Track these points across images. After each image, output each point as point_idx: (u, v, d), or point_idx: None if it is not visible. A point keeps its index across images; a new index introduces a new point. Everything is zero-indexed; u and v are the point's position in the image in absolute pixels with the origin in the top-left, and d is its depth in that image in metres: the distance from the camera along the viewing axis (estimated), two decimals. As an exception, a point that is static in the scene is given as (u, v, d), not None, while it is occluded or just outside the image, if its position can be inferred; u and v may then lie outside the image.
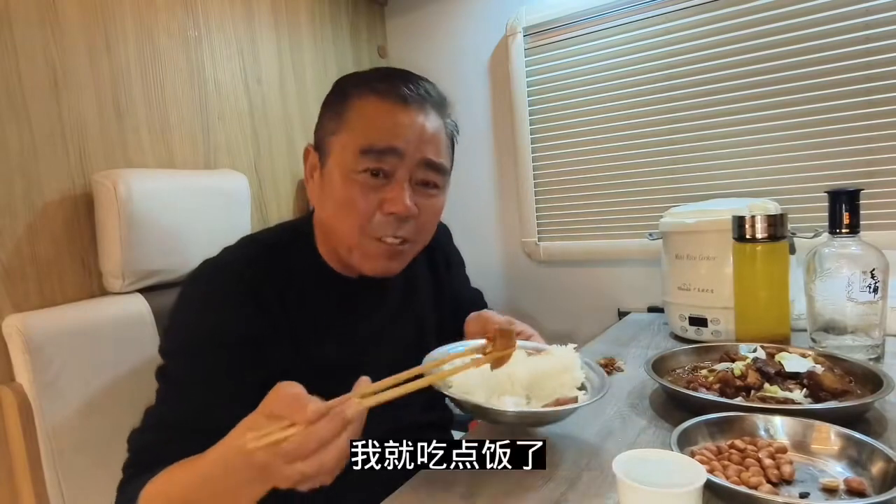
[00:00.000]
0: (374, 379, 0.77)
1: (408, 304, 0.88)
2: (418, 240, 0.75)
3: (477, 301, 1.06)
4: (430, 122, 0.72)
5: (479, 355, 0.61)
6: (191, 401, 0.65)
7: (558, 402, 0.64)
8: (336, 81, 0.77)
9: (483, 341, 0.62)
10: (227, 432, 0.57)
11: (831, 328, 0.85)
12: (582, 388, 0.69)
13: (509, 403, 0.64)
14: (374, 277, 0.75)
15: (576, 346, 0.72)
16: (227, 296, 0.69)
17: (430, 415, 0.89)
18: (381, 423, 0.78)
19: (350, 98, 0.71)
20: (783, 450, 0.57)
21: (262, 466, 0.50)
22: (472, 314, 0.90)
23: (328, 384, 0.55)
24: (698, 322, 1.06)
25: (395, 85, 0.71)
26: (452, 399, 0.63)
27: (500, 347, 0.60)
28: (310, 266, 0.77)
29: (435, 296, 0.94)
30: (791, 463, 0.55)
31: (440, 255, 0.97)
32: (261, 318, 0.69)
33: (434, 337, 0.88)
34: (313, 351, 0.73)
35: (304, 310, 0.74)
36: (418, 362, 0.84)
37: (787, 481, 0.53)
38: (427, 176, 0.73)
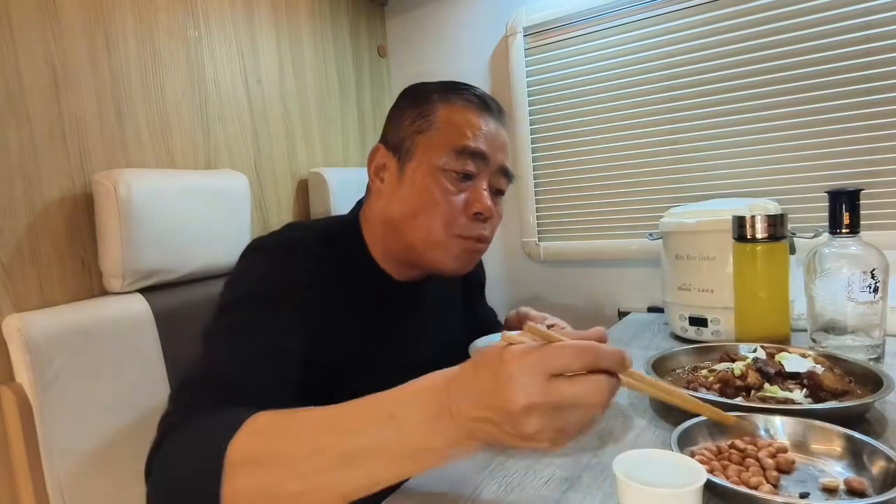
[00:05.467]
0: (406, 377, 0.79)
1: (440, 316, 0.90)
2: (489, 240, 0.78)
3: (493, 319, 1.10)
4: (505, 131, 0.78)
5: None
6: (266, 336, 0.62)
7: None
8: (409, 89, 0.80)
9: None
10: (273, 397, 0.54)
11: (831, 328, 0.85)
12: None
13: None
14: (414, 282, 0.80)
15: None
16: (297, 261, 0.70)
17: None
18: None
19: (436, 101, 0.75)
20: (783, 450, 0.57)
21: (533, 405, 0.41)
22: (513, 313, 0.99)
23: (361, 379, 0.56)
24: (698, 322, 1.06)
25: (476, 94, 0.76)
26: None
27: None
28: (359, 262, 0.78)
29: (465, 316, 0.96)
30: (792, 462, 0.55)
31: (476, 279, 1.01)
32: (320, 292, 0.70)
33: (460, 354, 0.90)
34: (351, 344, 0.74)
35: (350, 304, 0.74)
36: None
37: (786, 473, 0.53)
38: (500, 183, 0.78)
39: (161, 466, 0.51)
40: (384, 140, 0.78)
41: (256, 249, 0.72)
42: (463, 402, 0.44)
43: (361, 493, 0.46)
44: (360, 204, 0.85)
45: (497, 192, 0.78)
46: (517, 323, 0.97)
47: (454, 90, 0.76)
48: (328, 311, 0.70)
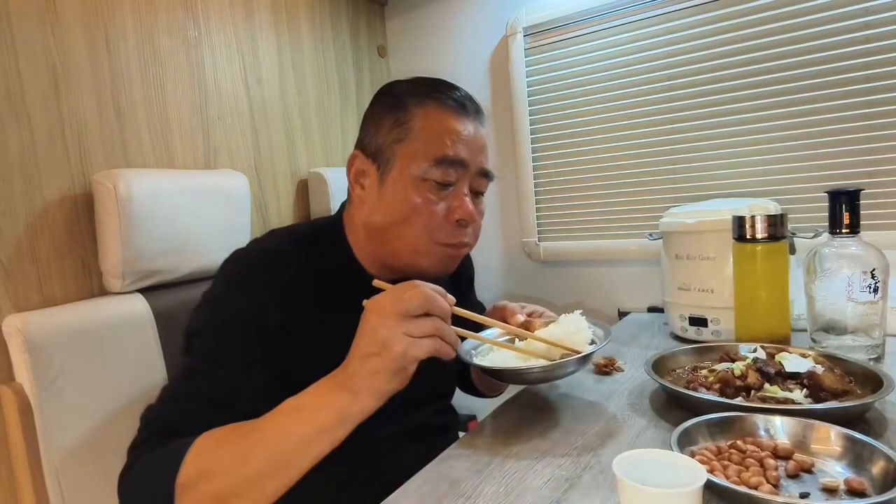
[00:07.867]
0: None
1: None
2: (472, 243, 0.79)
3: (482, 313, 1.08)
4: (482, 130, 0.77)
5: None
6: (219, 376, 0.65)
7: None
8: (384, 91, 0.79)
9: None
10: (251, 415, 0.60)
11: (831, 328, 0.85)
12: (593, 343, 0.77)
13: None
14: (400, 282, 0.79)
15: (581, 311, 0.79)
16: (261, 276, 0.70)
17: (441, 418, 0.90)
18: (392, 425, 0.78)
19: (411, 107, 0.74)
20: (790, 452, 0.57)
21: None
22: (494, 306, 0.98)
23: None
24: (698, 322, 1.06)
25: (451, 94, 0.75)
26: (486, 369, 0.73)
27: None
28: (343, 265, 0.78)
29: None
30: (811, 465, 0.55)
31: (464, 273, 1.00)
32: (291, 303, 0.70)
33: None
34: (342, 347, 0.73)
35: (336, 307, 0.73)
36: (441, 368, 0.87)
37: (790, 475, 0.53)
38: (480, 185, 0.77)
39: (125, 496, 0.62)
40: (361, 146, 0.77)
41: (227, 265, 0.73)
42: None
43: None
44: (343, 206, 0.84)
45: (477, 194, 0.78)
46: (496, 317, 0.95)
47: (430, 93, 0.75)
48: (306, 317, 0.70)
